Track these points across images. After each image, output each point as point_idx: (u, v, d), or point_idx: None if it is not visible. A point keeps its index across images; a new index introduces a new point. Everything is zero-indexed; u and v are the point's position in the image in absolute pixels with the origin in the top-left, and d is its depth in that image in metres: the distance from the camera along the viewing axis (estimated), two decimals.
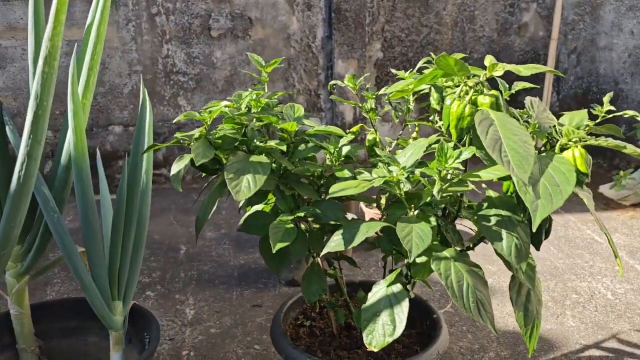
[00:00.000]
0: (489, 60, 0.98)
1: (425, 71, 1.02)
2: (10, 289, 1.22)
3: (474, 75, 0.99)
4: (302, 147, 1.12)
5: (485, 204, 1.00)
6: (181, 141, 1.08)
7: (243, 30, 2.99)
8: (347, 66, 3.10)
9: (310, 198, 1.12)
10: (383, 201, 1.16)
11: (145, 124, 1.20)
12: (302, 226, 1.13)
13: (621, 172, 2.73)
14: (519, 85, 1.10)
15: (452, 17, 3.21)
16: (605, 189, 2.83)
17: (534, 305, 1.03)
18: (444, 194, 0.97)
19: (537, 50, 3.37)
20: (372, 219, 1.07)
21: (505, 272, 2.03)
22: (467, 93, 0.98)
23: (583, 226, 2.47)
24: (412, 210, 1.00)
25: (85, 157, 1.12)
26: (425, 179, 0.99)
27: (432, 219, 0.97)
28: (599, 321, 1.75)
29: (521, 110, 1.04)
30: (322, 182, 1.14)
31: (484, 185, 1.15)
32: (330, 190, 0.98)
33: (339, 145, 1.12)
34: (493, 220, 0.96)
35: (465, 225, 1.21)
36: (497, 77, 1.02)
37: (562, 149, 0.95)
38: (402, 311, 0.97)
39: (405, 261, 1.05)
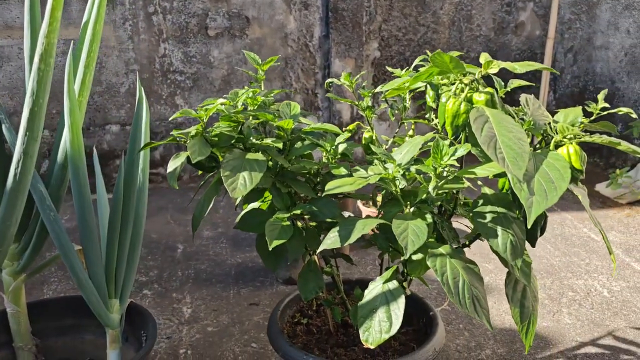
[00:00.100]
0: (484, 57, 0.98)
1: (422, 69, 1.02)
2: (6, 288, 1.22)
3: (470, 73, 0.99)
4: (298, 144, 1.12)
5: (481, 201, 1.00)
6: (177, 139, 1.08)
7: (240, 29, 2.99)
8: (345, 65, 3.10)
9: (306, 196, 1.12)
10: (379, 199, 1.16)
11: (142, 123, 1.20)
12: (299, 224, 1.13)
13: (617, 171, 2.74)
14: (514, 83, 1.10)
15: (449, 16, 3.21)
16: (601, 188, 2.84)
17: (530, 302, 1.03)
18: (440, 191, 0.97)
19: (533, 49, 3.38)
20: (368, 216, 1.07)
21: (502, 270, 2.04)
22: (462, 90, 0.98)
23: (579, 224, 2.47)
24: (408, 207, 1.01)
25: (81, 155, 1.12)
26: (421, 176, 0.99)
27: (428, 216, 0.97)
28: (595, 318, 1.76)
29: (516, 108, 1.05)
30: (318, 179, 1.14)
31: (479, 183, 1.15)
32: (327, 187, 0.98)
33: (336, 143, 1.12)
34: (488, 217, 0.96)
35: (461, 223, 1.21)
36: (493, 75, 1.02)
37: (557, 146, 0.96)
38: (399, 308, 0.98)
39: (402, 258, 1.05)
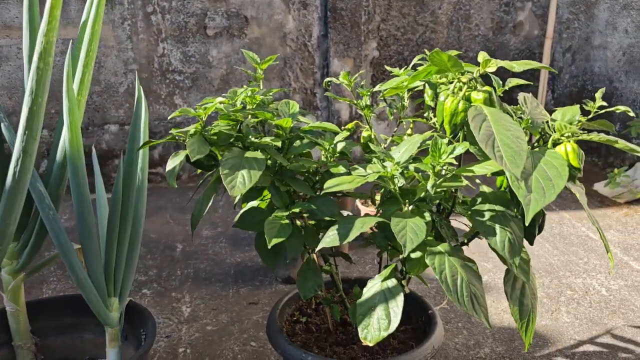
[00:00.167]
0: (482, 56, 0.98)
1: (420, 68, 1.02)
2: (5, 286, 1.22)
3: (468, 72, 1.00)
4: (297, 143, 1.13)
5: (479, 199, 1.00)
6: (176, 138, 1.08)
7: (239, 29, 2.99)
8: (343, 65, 3.10)
9: (305, 194, 1.13)
10: (378, 197, 1.17)
11: (141, 122, 1.20)
12: (298, 222, 1.13)
13: (615, 170, 2.74)
14: (512, 82, 1.10)
15: (447, 16, 3.22)
16: (599, 187, 2.84)
17: (529, 299, 1.03)
18: (438, 189, 0.97)
19: (532, 49, 3.39)
20: (367, 215, 1.08)
21: (501, 269, 2.04)
22: (460, 89, 0.99)
23: (578, 223, 2.48)
24: (407, 205, 1.01)
25: (80, 154, 1.12)
26: (420, 174, 0.99)
27: (427, 214, 0.97)
28: (594, 317, 1.76)
29: (515, 107, 1.05)
30: (317, 178, 1.15)
31: (477, 181, 1.15)
32: (325, 186, 0.98)
33: (334, 142, 1.12)
34: (487, 215, 0.97)
35: (460, 221, 1.22)
36: (491, 74, 1.02)
37: (555, 144, 0.96)
38: (397, 305, 0.98)
39: (400, 256, 1.06)
